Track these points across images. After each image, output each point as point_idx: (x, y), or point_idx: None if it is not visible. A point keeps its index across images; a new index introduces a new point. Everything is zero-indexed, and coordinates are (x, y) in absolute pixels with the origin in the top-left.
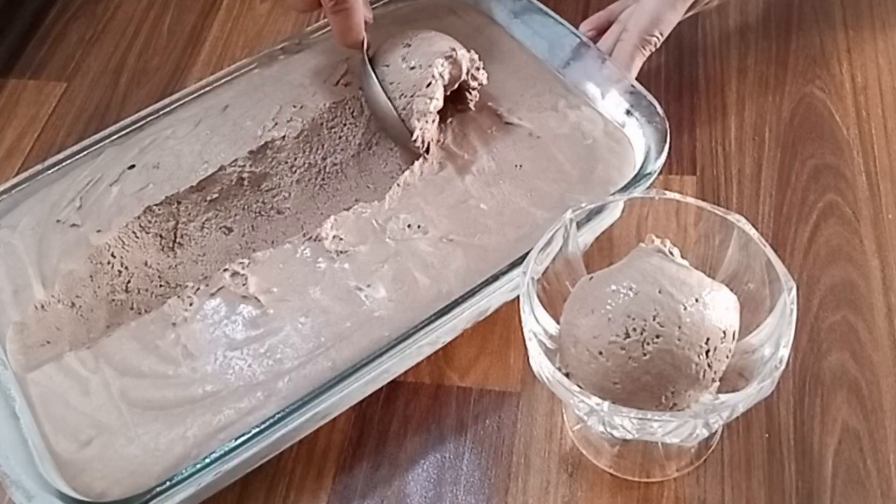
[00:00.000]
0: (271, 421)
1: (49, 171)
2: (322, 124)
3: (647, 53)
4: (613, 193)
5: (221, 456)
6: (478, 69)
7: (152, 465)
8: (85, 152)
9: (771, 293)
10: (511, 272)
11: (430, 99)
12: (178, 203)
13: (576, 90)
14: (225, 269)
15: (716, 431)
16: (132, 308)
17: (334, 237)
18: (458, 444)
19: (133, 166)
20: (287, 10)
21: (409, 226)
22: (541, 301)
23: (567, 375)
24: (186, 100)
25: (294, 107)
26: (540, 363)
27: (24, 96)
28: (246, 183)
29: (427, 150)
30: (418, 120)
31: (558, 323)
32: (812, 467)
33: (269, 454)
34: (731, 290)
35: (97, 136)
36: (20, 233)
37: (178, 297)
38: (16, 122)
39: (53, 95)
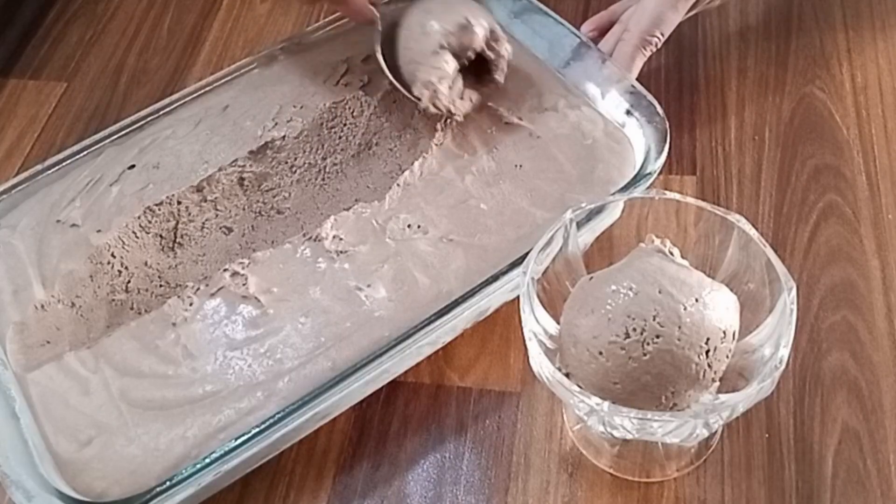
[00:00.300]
0: (271, 421)
1: (49, 171)
2: (322, 124)
3: (648, 54)
4: (613, 193)
5: (221, 456)
6: (496, 41)
7: (152, 465)
8: (85, 152)
9: (771, 293)
10: (511, 272)
11: (435, 68)
12: (178, 203)
13: (576, 90)
14: (225, 269)
15: (716, 431)
16: (132, 308)
17: (334, 237)
18: (458, 444)
19: (133, 166)
20: (287, 9)
21: (409, 226)
22: (541, 301)
23: (567, 375)
24: (186, 100)
25: (294, 107)
26: (540, 363)
27: (24, 96)
28: (246, 183)
29: (450, 115)
30: (426, 87)
31: (558, 323)
32: (812, 467)
33: (269, 454)
34: (731, 290)
35: (97, 136)
36: (20, 233)
37: (178, 297)
38: (16, 122)
39: (53, 95)
